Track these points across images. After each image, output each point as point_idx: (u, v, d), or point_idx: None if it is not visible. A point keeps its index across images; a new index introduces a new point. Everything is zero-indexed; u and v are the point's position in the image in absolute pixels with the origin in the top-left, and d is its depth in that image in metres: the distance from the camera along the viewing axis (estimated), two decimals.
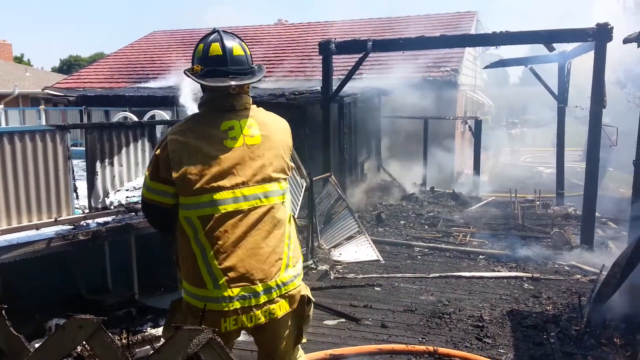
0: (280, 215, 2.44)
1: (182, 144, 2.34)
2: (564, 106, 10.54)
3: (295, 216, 7.42)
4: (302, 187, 7.70)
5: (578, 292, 6.19)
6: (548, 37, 7.95)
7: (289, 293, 2.45)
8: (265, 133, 2.47)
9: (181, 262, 2.43)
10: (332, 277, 7.19)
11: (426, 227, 10.18)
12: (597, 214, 9.44)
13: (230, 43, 2.48)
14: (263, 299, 2.33)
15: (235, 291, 2.27)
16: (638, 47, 5.52)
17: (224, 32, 2.52)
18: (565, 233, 8.47)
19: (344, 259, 8.01)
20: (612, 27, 7.46)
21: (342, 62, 13.75)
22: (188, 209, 2.33)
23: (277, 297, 2.38)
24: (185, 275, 2.42)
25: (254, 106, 2.56)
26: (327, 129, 10.05)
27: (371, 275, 7.25)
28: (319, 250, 8.01)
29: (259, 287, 2.32)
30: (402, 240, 9.22)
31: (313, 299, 2.60)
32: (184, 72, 2.50)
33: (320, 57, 9.88)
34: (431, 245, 8.81)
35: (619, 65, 11.40)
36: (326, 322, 5.60)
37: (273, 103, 12.07)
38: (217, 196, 2.29)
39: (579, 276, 7.17)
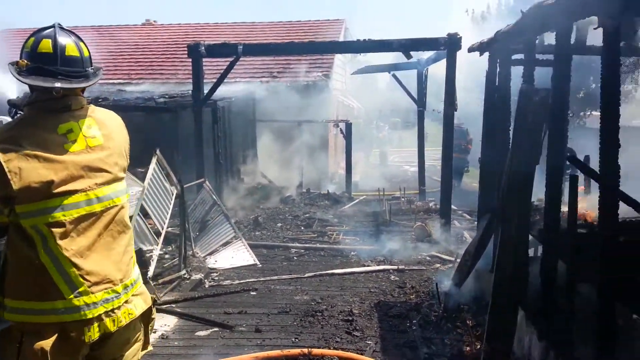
0: (127, 214, 2.47)
1: (16, 155, 2.10)
2: (423, 110, 11.44)
3: (166, 225, 7.13)
4: (173, 194, 7.39)
5: (432, 280, 6.72)
6: (406, 46, 8.57)
7: (139, 290, 2.46)
8: (106, 132, 2.38)
9: (17, 277, 2.18)
10: (206, 286, 6.98)
11: (302, 228, 10.36)
12: (453, 207, 10.37)
13: (65, 41, 2.28)
14: (123, 298, 2.32)
15: (98, 296, 2.21)
16: (480, 55, 6.15)
17: (62, 28, 2.31)
18: (426, 226, 9.16)
19: (220, 265, 7.84)
20: (461, 37, 8.25)
21: (215, 66, 13.48)
22: (34, 216, 2.13)
23: (131, 295, 2.38)
24: (18, 291, 2.17)
25: (91, 105, 2.42)
26: (199, 134, 9.78)
27: (247, 280, 7.18)
28: (193, 259, 7.75)
29: (119, 288, 2.29)
30: (278, 242, 9.28)
31: (158, 300, 2.60)
32: (8, 65, 2.23)
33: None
34: (307, 245, 8.98)
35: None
36: (198, 333, 5.41)
37: (141, 107, 11.46)
38: (69, 200, 2.18)
39: (438, 265, 7.79)
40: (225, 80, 10.46)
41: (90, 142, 2.28)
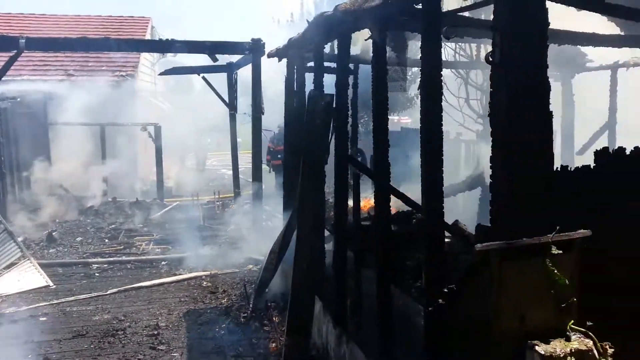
0: None
1: None
2: (235, 113, 11.46)
3: None
4: None
5: (248, 281, 6.78)
6: (210, 48, 8.49)
7: None
8: None
9: None
10: None
11: (106, 240, 9.55)
12: (267, 207, 10.61)
13: None
14: None
15: None
16: (279, 61, 6.39)
17: None
18: (240, 228, 9.20)
19: (3, 291, 6.79)
20: (264, 43, 8.48)
21: None
22: None
23: None
24: None
25: None
26: None
27: (37, 305, 6.34)
28: None
29: None
30: (77, 259, 8.40)
31: None
32: None
33: None
34: (111, 259, 8.30)
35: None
36: None
37: None
38: None
39: (251, 266, 7.88)
40: (6, 78, 9.08)
41: None
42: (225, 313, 5.81)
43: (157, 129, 13.15)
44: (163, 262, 8.13)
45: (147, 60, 16.11)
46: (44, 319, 5.93)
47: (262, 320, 5.38)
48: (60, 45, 8.61)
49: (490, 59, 2.17)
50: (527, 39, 2.16)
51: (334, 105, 4.25)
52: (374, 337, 3.74)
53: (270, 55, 6.54)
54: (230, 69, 11.40)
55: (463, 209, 7.58)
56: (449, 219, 3.26)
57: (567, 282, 1.57)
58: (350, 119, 6.54)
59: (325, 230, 5.14)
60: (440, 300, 1.76)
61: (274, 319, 5.34)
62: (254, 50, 8.66)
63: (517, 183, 2.08)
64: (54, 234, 9.44)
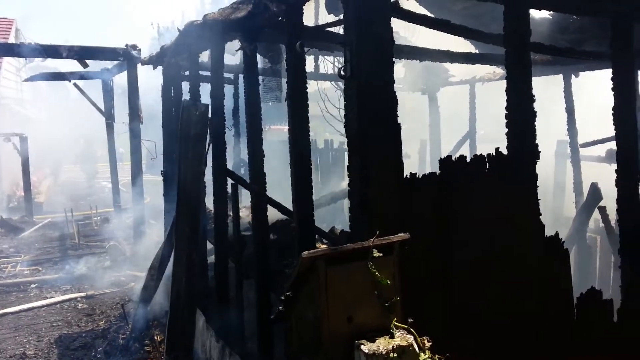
0: None
1: None
2: (112, 122, 10.83)
3: None
4: None
5: (124, 300, 6.45)
6: (80, 54, 7.97)
7: None
8: None
9: None
10: None
11: None
12: (152, 221, 10.14)
13: None
14: None
15: None
16: (154, 68, 6.18)
17: None
18: (120, 244, 8.72)
19: None
20: (140, 49, 8.12)
21: None
22: None
23: None
24: None
25: None
26: None
27: None
28: None
29: None
30: None
31: None
32: None
33: None
34: None
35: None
36: None
37: None
38: None
39: (133, 283, 7.48)
40: None
41: None
42: (102, 336, 5.47)
43: (23, 139, 12.01)
44: (32, 285, 7.45)
45: (12, 65, 14.65)
46: None
47: (143, 340, 5.15)
48: None
49: (342, 73, 2.31)
50: (373, 55, 2.33)
51: (209, 115, 4.21)
52: (255, 348, 3.75)
53: (144, 63, 6.31)
54: (105, 76, 10.78)
55: (347, 216, 7.87)
56: (331, 226, 3.39)
57: (388, 282, 1.72)
58: (232, 129, 6.54)
59: (208, 242, 5.07)
60: (280, 308, 1.85)
61: (155, 337, 5.14)
62: (128, 56, 8.27)
63: (370, 189, 2.23)
64: None
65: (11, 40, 14.91)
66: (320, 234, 3.49)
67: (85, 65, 8.31)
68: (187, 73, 5.93)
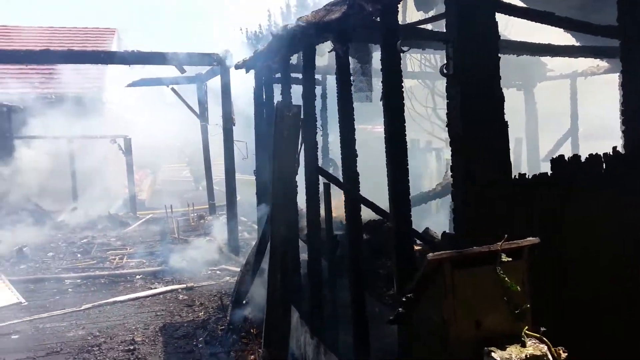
0: None
1: None
2: (206, 124, 11.43)
3: None
4: None
5: (224, 293, 6.77)
6: (179, 60, 8.47)
7: None
8: None
9: None
10: None
11: (79, 255, 9.41)
12: (243, 218, 10.59)
13: None
14: None
15: None
16: (246, 72, 6.43)
17: None
18: (216, 240, 9.17)
19: None
20: (232, 54, 8.49)
21: None
22: None
23: None
24: None
25: None
26: None
27: (8, 323, 6.21)
28: None
29: None
30: (50, 274, 8.25)
31: None
32: None
33: None
34: (84, 274, 8.17)
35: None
36: None
37: None
38: None
39: (228, 277, 7.86)
40: None
41: None
42: (202, 326, 5.79)
43: (127, 141, 13.01)
44: (138, 276, 8.05)
45: (118, 72, 15.89)
46: (16, 336, 5.82)
47: (240, 333, 5.38)
48: (23, 57, 8.47)
49: (445, 71, 2.27)
50: (477, 51, 2.27)
51: (302, 117, 4.31)
52: (351, 346, 3.80)
53: (237, 67, 6.58)
54: (199, 80, 11.39)
55: (436, 216, 7.73)
56: (421, 226, 3.35)
57: (518, 288, 1.65)
58: (320, 130, 6.64)
59: (300, 240, 5.19)
60: (400, 309, 1.83)
61: (252, 331, 5.35)
62: (222, 61, 8.68)
63: (476, 191, 2.17)
64: (24, 249, 9.25)
65: (114, 48, 16.20)
66: (414, 235, 3.46)
67: (182, 71, 8.83)
68: (277, 75, 6.12)
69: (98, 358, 5.15)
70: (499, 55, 2.34)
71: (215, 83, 11.31)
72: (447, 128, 2.28)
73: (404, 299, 1.83)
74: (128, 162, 13.10)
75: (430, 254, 1.63)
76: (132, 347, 5.34)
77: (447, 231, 2.26)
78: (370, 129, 14.86)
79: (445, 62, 2.28)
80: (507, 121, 2.32)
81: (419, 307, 1.79)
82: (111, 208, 12.77)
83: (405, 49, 2.76)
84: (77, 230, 11.20)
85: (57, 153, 12.59)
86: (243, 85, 9.64)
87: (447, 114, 2.28)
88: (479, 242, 1.92)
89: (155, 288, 7.48)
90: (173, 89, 11.24)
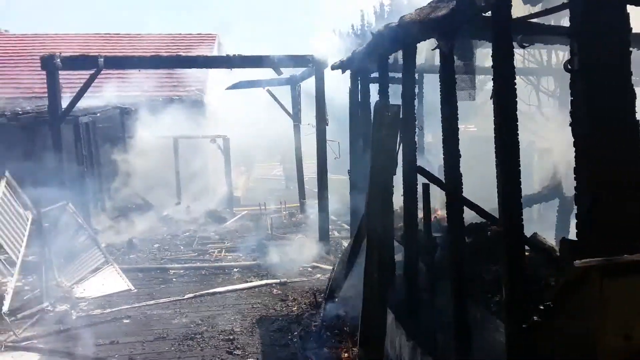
0: None
1: None
2: (298, 124, 11.71)
3: (21, 253, 6.46)
4: (28, 220, 6.73)
5: (316, 290, 6.89)
6: (275, 63, 8.75)
7: None
8: None
9: None
10: (74, 317, 6.44)
11: (182, 247, 10.03)
12: (333, 217, 10.71)
13: None
14: None
15: None
16: (342, 73, 6.49)
17: None
18: (307, 237, 9.36)
19: (89, 294, 7.27)
20: (327, 55, 8.62)
21: (79, 78, 12.56)
22: None
23: None
24: None
25: None
26: (59, 152, 9.03)
27: (120, 308, 6.75)
28: (58, 289, 7.10)
29: None
30: (156, 264, 8.88)
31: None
32: None
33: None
34: (187, 265, 8.70)
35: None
36: None
37: None
38: None
39: (319, 275, 7.99)
40: (89, 94, 9.82)
41: None
42: (296, 321, 5.93)
43: (226, 140, 13.65)
44: (235, 269, 8.42)
45: (215, 75, 16.76)
46: (127, 321, 6.30)
47: (333, 330, 5.44)
48: (135, 63, 9.20)
49: (569, 67, 2.13)
50: (606, 45, 2.10)
51: (401, 116, 4.27)
52: (450, 352, 3.70)
53: (334, 68, 6.66)
54: (293, 82, 11.68)
55: (539, 220, 7.31)
56: (525, 230, 3.18)
57: None
58: (419, 129, 6.54)
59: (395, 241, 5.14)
60: (535, 318, 1.74)
61: (345, 328, 5.39)
62: (317, 62, 8.83)
63: (603, 195, 2.02)
64: (133, 240, 10.02)
65: (214, 53, 17.09)
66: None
67: (279, 73, 9.12)
68: (373, 75, 6.11)
69: (201, 345, 5.45)
70: (630, 49, 2.15)
71: (308, 84, 11.58)
72: (570, 127, 2.14)
73: (541, 308, 1.74)
74: (226, 161, 13.75)
75: (578, 261, 1.54)
76: (231, 337, 5.59)
77: (566, 237, 2.11)
78: (463, 129, 14.39)
79: (570, 57, 2.14)
80: (638, 120, 2.14)
81: (559, 317, 1.69)
82: (210, 204, 13.48)
83: (525, 44, 2.63)
84: (180, 224, 11.94)
85: (163, 151, 13.52)
86: (335, 86, 9.78)
87: (570, 112, 2.14)
88: (606, 249, 1.79)
89: (251, 281, 7.78)
90: (268, 91, 11.63)
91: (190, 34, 18.46)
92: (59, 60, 8.60)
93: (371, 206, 4.39)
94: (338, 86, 9.99)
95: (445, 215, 4.65)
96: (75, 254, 7.98)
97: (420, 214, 4.32)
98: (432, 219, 4.33)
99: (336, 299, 5.88)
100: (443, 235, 4.39)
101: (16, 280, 6.45)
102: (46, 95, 12.60)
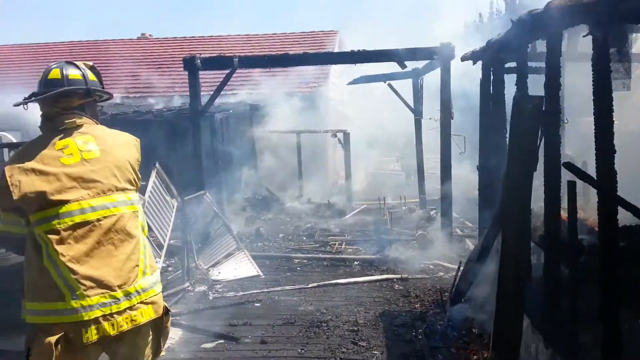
0: (131, 224, 2.54)
1: (18, 169, 2.38)
2: (420, 118, 11.49)
3: (168, 237, 7.17)
4: (174, 207, 7.43)
5: (441, 289, 6.74)
6: (400, 56, 8.66)
7: (150, 299, 2.53)
8: (104, 147, 2.57)
9: (30, 281, 2.40)
10: (210, 298, 7.01)
11: (304, 238, 10.40)
12: (455, 215, 10.38)
13: (70, 68, 2.63)
14: (124, 304, 2.40)
15: (94, 299, 2.32)
16: (473, 64, 6.23)
17: (68, 62, 2.67)
18: (428, 234, 9.18)
19: (223, 277, 7.85)
20: (454, 46, 8.34)
21: (212, 78, 13.59)
22: (37, 225, 2.37)
23: (137, 303, 2.46)
24: (32, 294, 2.38)
25: (94, 124, 2.65)
26: (198, 146, 9.84)
27: (251, 292, 7.19)
28: (196, 271, 7.78)
29: (119, 294, 2.38)
30: (281, 253, 9.32)
31: (171, 310, 2.65)
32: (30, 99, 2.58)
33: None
34: (309, 255, 9.01)
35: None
36: (204, 345, 5.43)
37: (138, 120, 11.53)
38: (63, 209, 2.36)
39: (442, 273, 7.81)
40: (222, 93, 10.55)
41: (85, 155, 2.48)
42: (420, 318, 5.86)
43: (347, 135, 13.86)
44: (355, 262, 8.54)
45: (336, 70, 17.10)
46: (258, 304, 6.69)
47: (460, 331, 5.29)
48: (267, 62, 9.68)
49: None
50: None
51: (543, 108, 3.99)
52: None
53: (464, 59, 6.42)
54: (415, 75, 11.48)
55: None
56: None
57: None
58: (567, 121, 6.08)
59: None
60: None
61: (473, 330, 5.22)
62: (443, 54, 8.58)
63: None
64: (261, 229, 10.61)
65: (335, 49, 17.41)
66: None
67: (403, 67, 9.01)
68: (507, 66, 5.78)
69: (327, 333, 5.62)
70: None
71: (429, 77, 11.31)
72: None
73: None
74: (346, 155, 13.98)
75: None
76: (355, 328, 5.69)
77: None
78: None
79: None
80: None
81: None
82: (330, 197, 13.82)
83: None
84: (302, 215, 12.40)
85: (287, 145, 14.13)
86: (458, 78, 9.43)
87: None
88: None
89: (372, 275, 7.83)
90: (389, 85, 11.57)
91: (313, 32, 19.01)
92: (199, 61, 9.35)
93: (507, 204, 4.18)
94: (461, 79, 9.64)
95: (586, 217, 4.29)
96: (211, 240, 8.66)
97: (563, 214, 4.02)
98: None
99: (463, 299, 5.70)
100: (588, 237, 4.04)
101: (163, 262, 7.16)
102: (184, 94, 13.80)
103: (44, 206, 2.35)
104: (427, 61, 10.07)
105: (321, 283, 7.45)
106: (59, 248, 2.32)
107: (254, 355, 5.16)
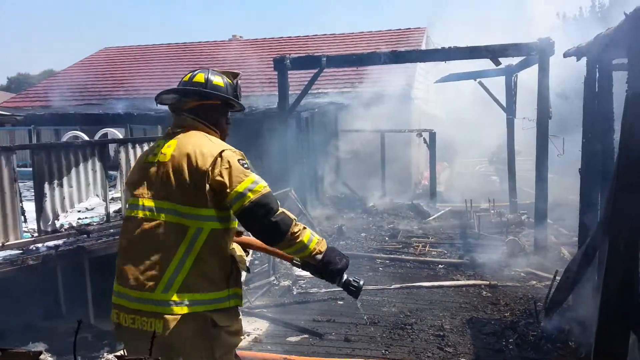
0: (171, 235, 2.41)
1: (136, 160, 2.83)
2: (512, 118, 10.95)
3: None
4: None
5: (534, 298, 6.38)
6: (493, 52, 8.29)
7: (164, 316, 2.36)
8: (177, 154, 2.50)
9: None
10: (294, 293, 7.15)
11: (386, 238, 10.30)
12: (549, 220, 9.78)
13: (196, 73, 2.76)
14: (134, 305, 2.42)
15: (116, 287, 2.50)
16: (577, 60, 5.81)
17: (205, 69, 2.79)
18: (519, 240, 8.73)
19: (307, 273, 7.96)
20: (554, 42, 7.84)
21: (298, 77, 13.85)
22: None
23: (148, 312, 2.38)
24: None
25: (192, 129, 2.62)
26: (285, 144, 10.07)
27: (334, 289, 7.20)
28: (281, 266, 7.96)
29: (132, 293, 2.42)
30: (363, 252, 9.28)
31: (219, 324, 2.44)
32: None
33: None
34: (392, 256, 8.90)
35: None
36: (289, 338, 5.55)
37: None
38: (129, 201, 2.58)
39: (534, 282, 7.40)
40: (308, 92, 10.70)
41: (161, 157, 2.57)
42: (511, 327, 5.58)
43: (432, 135, 13.54)
44: (440, 266, 8.32)
45: (421, 68, 16.76)
46: (341, 302, 6.71)
47: (555, 343, 4.98)
48: (354, 61, 9.69)
49: None
50: None
51: None
52: None
53: (567, 55, 6.01)
54: (509, 72, 10.96)
55: None
56: None
57: None
58: None
59: None
60: None
61: (570, 343, 4.89)
62: (541, 50, 8.11)
63: None
64: (343, 228, 10.65)
65: (423, 46, 17.05)
66: None
67: (498, 63, 8.63)
68: (614, 62, 5.34)
69: (411, 336, 5.52)
70: None
71: (524, 74, 10.73)
72: None
73: None
74: (431, 155, 13.66)
75: None
76: (441, 333, 5.54)
77: None
78: None
79: None
80: None
81: None
82: (413, 198, 13.57)
83: None
84: (384, 215, 12.29)
85: (371, 145, 14.06)
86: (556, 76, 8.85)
87: None
88: None
89: (457, 280, 7.59)
90: (480, 82, 11.13)
91: (400, 29, 18.76)
92: (288, 61, 9.56)
93: (616, 212, 3.86)
94: (558, 77, 9.04)
95: None
96: None
97: None
98: None
99: (559, 310, 5.35)
100: None
101: (250, 256, 7.41)
102: (272, 93, 14.18)
103: (128, 195, 2.63)
104: (522, 58, 9.57)
105: (404, 285, 7.34)
106: (121, 235, 2.60)
107: (337, 352, 5.19)
